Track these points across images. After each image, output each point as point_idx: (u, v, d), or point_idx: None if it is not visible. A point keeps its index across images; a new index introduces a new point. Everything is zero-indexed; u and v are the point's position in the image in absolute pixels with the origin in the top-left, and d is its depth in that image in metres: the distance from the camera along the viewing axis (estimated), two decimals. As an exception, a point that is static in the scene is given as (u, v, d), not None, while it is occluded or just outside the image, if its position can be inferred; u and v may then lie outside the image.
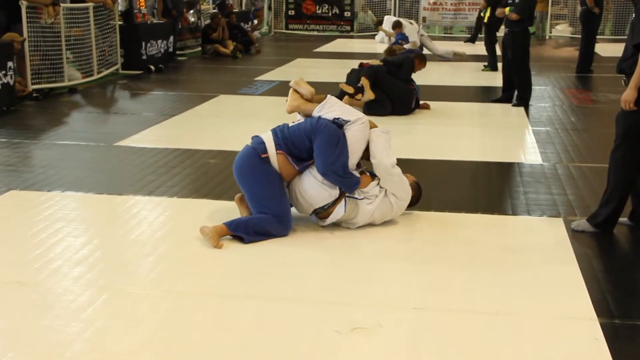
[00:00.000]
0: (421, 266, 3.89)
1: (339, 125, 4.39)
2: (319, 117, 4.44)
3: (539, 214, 4.80)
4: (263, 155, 4.32)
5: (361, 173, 4.45)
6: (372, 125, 4.50)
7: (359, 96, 8.09)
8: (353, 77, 8.38)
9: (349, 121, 4.38)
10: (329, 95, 4.58)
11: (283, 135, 4.38)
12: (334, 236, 4.31)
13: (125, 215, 4.69)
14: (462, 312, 3.34)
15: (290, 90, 4.61)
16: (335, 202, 4.32)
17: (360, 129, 4.37)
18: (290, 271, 3.81)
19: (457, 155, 6.41)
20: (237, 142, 6.50)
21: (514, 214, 4.83)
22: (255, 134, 4.49)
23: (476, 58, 13.79)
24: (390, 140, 4.49)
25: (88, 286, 3.57)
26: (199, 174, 5.72)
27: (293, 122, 4.52)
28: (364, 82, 8.05)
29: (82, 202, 5.00)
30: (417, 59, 8.54)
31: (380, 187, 4.40)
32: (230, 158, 6.03)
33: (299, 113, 4.60)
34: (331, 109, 4.46)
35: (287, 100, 4.61)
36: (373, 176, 4.46)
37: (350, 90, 8.14)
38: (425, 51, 13.07)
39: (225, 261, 3.93)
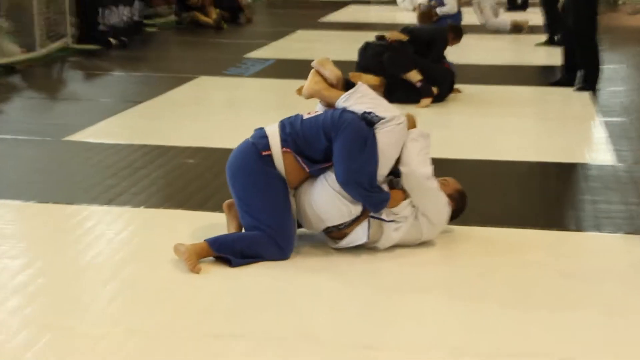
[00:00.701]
0: (460, 300, 3.86)
1: (368, 122, 4.31)
2: (344, 110, 4.38)
3: (612, 230, 4.78)
4: (264, 153, 4.29)
5: (391, 187, 4.40)
6: (411, 125, 4.45)
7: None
8: (369, 57, 8.13)
9: (383, 119, 4.30)
10: (359, 83, 4.52)
11: (293, 130, 4.33)
12: (349, 259, 4.29)
13: (77, 231, 4.67)
14: (513, 358, 3.31)
15: (312, 72, 4.58)
16: (354, 222, 4.29)
17: (397, 131, 4.30)
18: (290, 303, 3.78)
19: (505, 154, 6.40)
20: (222, 137, 6.53)
21: (579, 229, 4.81)
22: (259, 127, 4.45)
23: (531, 29, 13.76)
24: (430, 147, 4.43)
25: (27, 324, 3.53)
26: (173, 178, 5.72)
27: (309, 113, 4.47)
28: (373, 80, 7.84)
29: (21, 213, 4.99)
30: (451, 33, 8.50)
31: (412, 206, 4.35)
32: (214, 157, 6.06)
33: (319, 101, 4.57)
34: (361, 100, 4.39)
35: (306, 84, 4.58)
36: (405, 192, 4.39)
37: (375, 81, 7.75)
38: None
39: (206, 291, 3.90)
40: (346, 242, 4.31)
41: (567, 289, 3.96)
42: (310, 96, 4.56)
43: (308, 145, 4.29)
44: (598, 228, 4.80)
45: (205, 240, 4.19)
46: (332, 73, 4.56)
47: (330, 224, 4.31)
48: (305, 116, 4.43)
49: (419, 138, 4.40)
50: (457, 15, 12.95)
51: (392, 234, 4.30)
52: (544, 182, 5.81)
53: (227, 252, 4.16)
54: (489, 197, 5.33)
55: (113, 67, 10.50)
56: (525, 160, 6.24)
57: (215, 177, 5.61)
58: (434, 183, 4.36)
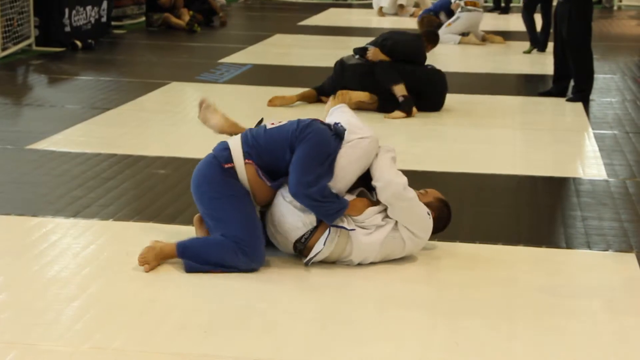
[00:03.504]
0: (443, 318, 3.91)
1: (337, 133, 4.46)
2: (312, 120, 4.50)
3: (603, 248, 4.84)
4: (226, 166, 4.37)
5: (358, 195, 4.48)
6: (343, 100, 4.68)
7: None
8: (349, 77, 8.03)
9: (350, 132, 4.46)
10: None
11: (256, 142, 4.42)
12: (326, 276, 4.33)
13: (41, 245, 4.68)
14: (499, 380, 3.36)
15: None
16: (314, 233, 4.35)
17: (360, 146, 4.42)
18: (266, 322, 3.81)
19: (493, 167, 6.46)
20: (195, 147, 6.54)
21: (569, 247, 4.86)
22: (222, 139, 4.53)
23: (519, 35, 13.86)
24: (396, 160, 4.55)
25: (-10, 341, 3.56)
26: (143, 189, 5.74)
27: (272, 123, 4.56)
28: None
29: (-18, 226, 4.99)
30: (426, 39, 8.60)
31: (388, 216, 4.41)
32: (186, 168, 6.07)
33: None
34: (339, 116, 4.63)
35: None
36: (376, 202, 4.47)
37: (365, 97, 7.89)
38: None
39: (178, 308, 3.93)
40: (311, 254, 4.35)
41: (555, 308, 4.02)
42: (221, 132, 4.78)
43: (271, 157, 4.38)
44: (589, 245, 4.87)
45: (177, 243, 4.31)
46: (217, 125, 4.76)
47: (292, 239, 4.38)
48: (269, 126, 4.52)
49: (385, 152, 4.50)
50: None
51: (362, 239, 4.34)
52: (533, 196, 5.87)
53: (190, 256, 4.26)
54: (475, 212, 5.38)
55: (79, 71, 10.47)
56: (514, 174, 6.29)
57: (187, 188, 5.56)
58: (412, 192, 4.42)
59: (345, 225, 4.33)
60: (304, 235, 4.35)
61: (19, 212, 5.20)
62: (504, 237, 4.94)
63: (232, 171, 4.36)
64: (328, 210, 4.29)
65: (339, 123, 4.53)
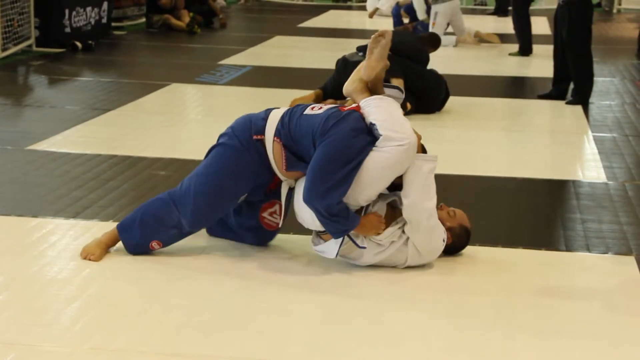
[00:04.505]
0: (443, 319, 3.92)
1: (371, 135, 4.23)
2: (344, 116, 4.27)
3: (602, 250, 4.85)
4: (255, 137, 4.34)
5: (389, 203, 4.39)
6: (418, 149, 4.30)
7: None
8: (340, 75, 7.91)
9: (388, 137, 4.17)
10: (386, 95, 4.42)
11: (289, 123, 4.33)
12: (327, 275, 4.34)
13: (41, 245, 4.68)
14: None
15: (356, 69, 4.49)
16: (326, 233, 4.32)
17: (395, 153, 4.17)
18: (264, 323, 3.81)
19: (492, 169, 6.47)
20: (195, 148, 6.54)
21: (569, 249, 4.87)
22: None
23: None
24: (434, 172, 4.33)
25: (-10, 341, 3.56)
26: (143, 190, 5.73)
27: (313, 108, 4.39)
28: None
29: (-18, 227, 4.99)
30: (427, 43, 8.69)
31: (404, 231, 4.32)
32: (185, 169, 6.06)
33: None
34: (376, 110, 4.27)
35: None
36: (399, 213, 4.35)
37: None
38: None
39: (177, 308, 3.93)
40: (319, 249, 4.35)
41: (554, 311, 4.02)
42: (347, 95, 4.58)
43: (297, 146, 4.31)
44: (588, 248, 4.87)
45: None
46: (375, 65, 4.36)
47: (306, 226, 4.37)
48: (308, 111, 4.37)
49: (424, 164, 4.27)
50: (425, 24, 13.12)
51: (371, 258, 4.32)
52: (532, 199, 5.87)
53: (127, 227, 4.39)
54: (474, 215, 5.35)
55: (79, 72, 10.48)
56: (514, 176, 6.29)
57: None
58: (435, 219, 4.30)
59: (357, 242, 4.27)
60: (319, 230, 4.32)
61: (19, 212, 5.20)
62: (503, 239, 4.94)
63: (259, 144, 4.33)
64: (333, 228, 4.20)
65: (374, 125, 4.23)
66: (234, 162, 4.35)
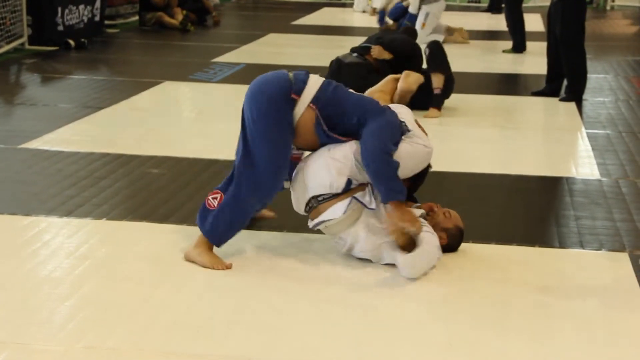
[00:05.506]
0: (436, 317, 3.93)
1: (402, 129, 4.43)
2: (387, 107, 4.50)
3: (596, 247, 4.86)
4: (293, 96, 4.31)
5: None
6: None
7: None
8: (345, 75, 7.79)
9: (416, 134, 4.43)
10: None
11: (333, 94, 4.35)
12: (321, 274, 4.34)
13: (33, 244, 4.69)
14: (492, 379, 3.37)
15: (384, 80, 4.87)
16: (335, 197, 4.33)
17: (420, 149, 4.41)
18: (258, 322, 3.82)
19: (485, 166, 6.48)
20: (188, 146, 6.56)
21: (562, 246, 4.88)
22: (306, 71, 4.49)
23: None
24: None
25: (-17, 340, 3.56)
26: (136, 188, 5.74)
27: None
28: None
29: (-25, 225, 5.00)
30: (410, 35, 8.79)
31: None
32: (179, 167, 6.10)
33: None
34: (405, 114, 4.55)
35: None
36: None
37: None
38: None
39: (171, 307, 3.94)
40: (320, 217, 4.35)
41: (547, 307, 4.03)
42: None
43: (337, 112, 4.32)
44: (582, 245, 4.88)
45: (202, 235, 4.36)
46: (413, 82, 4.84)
47: (312, 193, 4.36)
48: (353, 91, 4.50)
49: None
50: (414, 17, 12.97)
51: (364, 244, 4.35)
52: (526, 196, 5.88)
53: (220, 236, 4.36)
54: (467, 212, 5.37)
55: (72, 70, 10.46)
56: (507, 173, 6.30)
57: (180, 188, 5.66)
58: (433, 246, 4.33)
59: (365, 201, 4.30)
60: (323, 194, 4.34)
61: (12, 211, 5.20)
62: (497, 236, 4.95)
63: (293, 104, 4.30)
64: (391, 184, 4.19)
65: (404, 122, 4.46)
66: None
